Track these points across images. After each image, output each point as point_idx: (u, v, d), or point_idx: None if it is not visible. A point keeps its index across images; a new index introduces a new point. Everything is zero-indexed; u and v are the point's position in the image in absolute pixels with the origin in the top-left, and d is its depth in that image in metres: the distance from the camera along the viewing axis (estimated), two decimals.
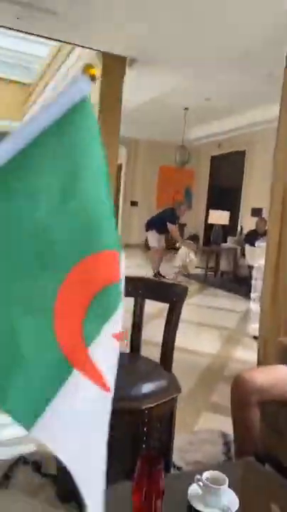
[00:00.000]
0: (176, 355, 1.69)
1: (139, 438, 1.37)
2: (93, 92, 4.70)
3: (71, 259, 0.57)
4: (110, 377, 0.63)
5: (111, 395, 0.63)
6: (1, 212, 0.50)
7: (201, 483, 1.02)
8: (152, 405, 1.39)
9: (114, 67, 4.66)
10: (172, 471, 1.63)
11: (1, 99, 8.44)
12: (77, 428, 0.59)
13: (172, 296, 1.68)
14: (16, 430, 1.91)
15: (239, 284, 6.11)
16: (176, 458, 1.71)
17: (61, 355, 0.56)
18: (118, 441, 1.43)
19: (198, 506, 0.98)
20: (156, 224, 6.32)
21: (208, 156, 9.69)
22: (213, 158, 9.64)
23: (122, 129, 4.93)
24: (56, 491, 1.46)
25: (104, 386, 0.61)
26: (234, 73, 5.05)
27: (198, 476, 1.03)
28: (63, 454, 0.57)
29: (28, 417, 0.53)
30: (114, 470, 1.40)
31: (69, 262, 0.57)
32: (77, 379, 0.58)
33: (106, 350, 0.62)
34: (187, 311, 1.69)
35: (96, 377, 0.60)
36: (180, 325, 1.69)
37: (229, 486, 1.00)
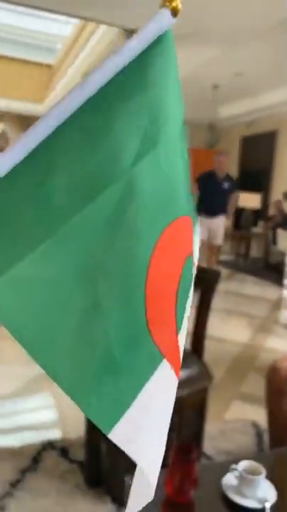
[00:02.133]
0: (206, 343, 1.65)
1: (171, 427, 1.35)
2: None
3: (160, 224, 0.49)
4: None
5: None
6: (82, 166, 0.43)
7: (237, 474, 0.99)
8: (184, 394, 1.36)
9: None
10: (203, 460, 1.61)
11: (23, 81, 8.42)
12: (158, 424, 0.52)
13: (204, 281, 1.63)
14: (44, 415, 1.95)
15: (270, 270, 5.96)
16: (207, 447, 1.68)
17: (153, 346, 0.48)
18: None
19: (234, 497, 0.95)
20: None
21: (238, 137, 9.40)
22: (243, 139, 9.36)
23: None
24: (84, 476, 1.47)
25: (177, 372, 0.54)
26: (268, 46, 4.82)
27: (234, 466, 1.00)
28: (142, 457, 0.49)
29: (110, 418, 0.45)
30: None
31: (158, 228, 0.49)
32: (165, 369, 0.51)
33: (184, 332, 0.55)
34: (215, 299, 1.64)
35: (177, 364, 0.53)
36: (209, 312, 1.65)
37: (266, 477, 0.97)
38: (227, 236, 6.99)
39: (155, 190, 0.48)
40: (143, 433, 0.49)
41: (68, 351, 0.42)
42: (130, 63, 0.48)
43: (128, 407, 0.46)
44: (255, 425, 1.91)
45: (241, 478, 0.97)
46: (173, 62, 0.54)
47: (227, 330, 3.44)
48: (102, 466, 1.41)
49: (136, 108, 0.47)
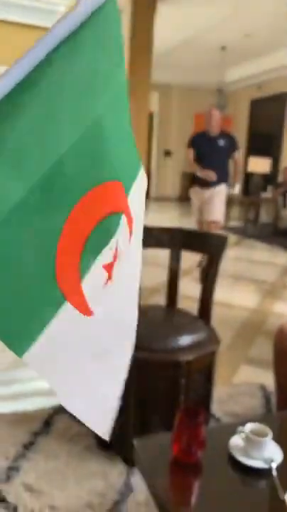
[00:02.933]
0: (213, 308, 1.65)
1: (179, 390, 1.37)
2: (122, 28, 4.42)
3: (81, 190, 0.55)
4: (95, 305, 0.63)
5: (94, 318, 0.64)
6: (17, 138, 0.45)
7: (243, 435, 0.99)
8: (191, 358, 1.36)
9: (143, 4, 4.32)
10: (212, 422, 1.64)
11: (24, 45, 8.13)
12: (68, 358, 0.60)
13: (212, 246, 1.60)
14: None
15: (279, 236, 5.88)
16: (215, 409, 1.71)
17: (57, 288, 0.56)
18: (158, 394, 1.43)
19: (241, 458, 0.96)
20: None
21: (247, 100, 9.07)
22: (252, 102, 9.02)
23: (154, 74, 4.64)
24: (95, 438, 1.51)
25: (86, 311, 0.62)
26: (278, 5, 4.53)
27: (240, 428, 1.01)
28: (55, 383, 0.59)
29: (20, 342, 0.52)
30: (153, 422, 1.42)
31: (79, 194, 0.55)
32: (68, 310, 0.58)
33: (95, 280, 0.62)
34: (224, 264, 1.62)
35: (83, 307, 0.61)
36: (217, 278, 1.62)
37: (272, 439, 0.98)
38: (235, 202, 6.87)
39: (80, 158, 0.53)
40: (56, 363, 0.58)
41: None
42: (70, 34, 0.49)
43: (38, 337, 0.54)
44: (262, 388, 1.93)
45: (247, 440, 0.98)
46: (115, 33, 0.55)
47: (235, 295, 3.44)
48: (113, 428, 1.44)
49: (69, 81, 0.50)
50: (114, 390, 0.71)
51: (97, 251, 0.61)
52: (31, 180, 0.48)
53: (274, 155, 7.60)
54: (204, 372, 1.53)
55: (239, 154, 4.10)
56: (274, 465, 0.94)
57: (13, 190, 0.46)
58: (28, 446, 1.48)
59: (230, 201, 6.61)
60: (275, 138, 8.11)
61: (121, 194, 0.62)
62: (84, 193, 0.55)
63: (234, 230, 6.33)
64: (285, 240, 5.59)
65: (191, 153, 3.84)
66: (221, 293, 1.58)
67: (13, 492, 1.29)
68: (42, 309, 0.55)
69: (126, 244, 0.68)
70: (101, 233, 0.60)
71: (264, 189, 6.88)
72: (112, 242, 0.63)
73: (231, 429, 1.03)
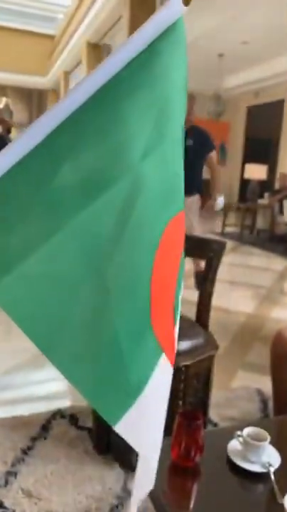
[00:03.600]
0: (211, 313, 1.66)
1: (177, 395, 1.37)
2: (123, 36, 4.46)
3: (164, 218, 0.49)
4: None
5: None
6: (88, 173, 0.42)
7: (241, 440, 1.00)
8: (189, 363, 1.37)
9: (142, 10, 4.38)
10: (209, 426, 1.64)
11: (25, 52, 8.19)
12: (158, 415, 0.53)
13: (210, 251, 1.61)
14: (53, 386, 1.99)
15: (276, 242, 5.92)
16: (212, 414, 1.72)
17: (154, 340, 0.49)
18: None
19: (239, 462, 0.97)
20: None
21: (244, 107, 9.16)
22: (250, 109, 9.11)
23: None
24: (93, 442, 1.51)
25: (172, 362, 0.55)
26: (274, 12, 4.60)
27: (239, 432, 1.02)
28: (145, 447, 0.51)
29: (116, 411, 0.46)
30: None
31: (163, 222, 0.49)
32: (164, 363, 0.51)
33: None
34: (221, 270, 1.63)
35: (172, 355, 0.54)
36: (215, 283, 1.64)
37: (270, 443, 0.99)
38: (231, 209, 6.90)
39: (160, 185, 0.48)
40: (146, 424, 0.50)
41: (76, 345, 0.42)
42: (139, 54, 0.46)
43: (135, 401, 0.47)
44: (260, 392, 1.94)
45: (246, 444, 0.98)
46: (182, 51, 0.52)
47: (233, 301, 3.45)
48: (111, 432, 1.45)
49: (144, 103, 0.47)
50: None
51: (181, 289, 0.56)
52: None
53: (271, 161, 7.67)
54: (201, 376, 1.53)
55: (214, 156, 3.31)
56: (272, 469, 0.94)
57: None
58: (26, 451, 1.48)
59: (227, 208, 6.65)
60: (271, 144, 8.19)
61: (183, 225, 0.58)
62: (171, 217, 0.50)
63: (231, 236, 6.37)
64: (282, 246, 5.63)
65: None
66: (219, 298, 1.60)
67: (11, 497, 1.28)
68: (139, 367, 0.47)
69: None
70: (182, 269, 0.56)
71: (261, 196, 6.93)
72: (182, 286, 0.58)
73: (230, 434, 1.04)
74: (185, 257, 0.58)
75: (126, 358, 0.45)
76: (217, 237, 5.93)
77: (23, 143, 0.41)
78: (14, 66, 8.34)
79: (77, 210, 0.41)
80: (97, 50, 6.67)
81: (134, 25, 4.41)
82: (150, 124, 0.47)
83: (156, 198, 0.47)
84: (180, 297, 0.56)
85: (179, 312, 0.54)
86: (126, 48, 0.45)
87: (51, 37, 8.24)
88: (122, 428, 0.45)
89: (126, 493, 1.31)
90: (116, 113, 0.44)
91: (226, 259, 4.87)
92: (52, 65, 8.43)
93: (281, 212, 6.16)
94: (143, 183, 0.45)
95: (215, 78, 7.10)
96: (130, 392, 0.46)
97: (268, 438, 0.98)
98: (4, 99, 8.95)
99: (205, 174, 3.36)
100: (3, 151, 0.41)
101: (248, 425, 1.03)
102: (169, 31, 0.49)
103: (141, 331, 0.46)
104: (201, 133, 3.21)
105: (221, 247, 1.62)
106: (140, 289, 0.46)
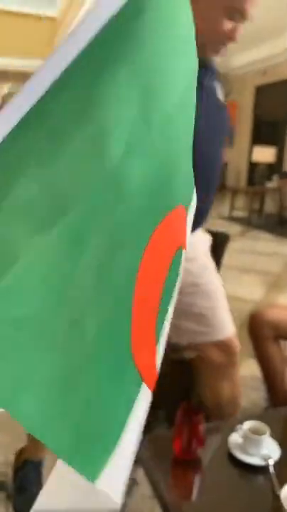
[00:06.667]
0: None
1: (184, 387, 1.40)
2: None
3: (153, 220, 0.41)
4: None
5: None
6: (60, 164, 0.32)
7: (242, 433, 1.03)
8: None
9: None
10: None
11: (26, 35, 8.06)
12: (132, 443, 0.43)
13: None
14: None
15: (285, 226, 5.86)
16: None
17: (135, 370, 0.41)
18: (164, 390, 1.46)
19: (239, 455, 0.99)
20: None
21: (252, 86, 8.95)
22: (257, 89, 8.90)
23: None
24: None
25: (152, 388, 0.46)
26: None
27: (239, 426, 1.04)
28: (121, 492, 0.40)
29: (97, 463, 0.36)
30: (160, 419, 1.45)
31: (151, 225, 0.41)
32: (144, 393, 0.43)
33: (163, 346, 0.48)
34: (228, 256, 1.64)
35: (153, 380, 0.45)
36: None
37: (271, 436, 1.01)
38: (240, 193, 6.81)
39: (146, 186, 0.39)
40: (124, 463, 0.41)
41: (47, 400, 0.32)
42: (117, 13, 0.36)
43: (115, 446, 0.38)
44: None
45: (245, 438, 1.01)
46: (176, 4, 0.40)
47: (240, 288, 3.45)
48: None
49: (122, 81, 0.36)
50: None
51: (168, 304, 0.47)
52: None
53: (279, 143, 7.52)
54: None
55: None
56: (271, 461, 0.97)
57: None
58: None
59: (235, 191, 6.58)
60: (280, 126, 8.02)
61: (183, 222, 0.49)
62: (158, 221, 0.42)
63: (239, 221, 6.32)
64: None
65: None
66: (226, 285, 1.60)
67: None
68: (120, 409, 0.39)
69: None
70: (171, 281, 0.46)
71: (269, 179, 6.83)
72: (176, 291, 0.50)
73: (231, 426, 1.06)
74: (182, 255, 0.50)
75: (106, 405, 0.37)
76: (224, 224, 5.88)
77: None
78: (15, 50, 8.24)
79: (36, 236, 0.31)
80: None
81: None
82: (132, 109, 0.37)
83: (139, 204, 0.38)
84: (170, 305, 0.49)
85: (165, 322, 0.47)
86: (94, 14, 0.35)
87: (52, 19, 8.11)
88: (104, 482, 0.36)
89: (134, 482, 1.36)
90: (88, 100, 0.34)
91: (234, 245, 4.82)
92: (55, 47, 8.33)
93: None
94: (123, 190, 0.36)
95: (222, 58, 6.94)
96: (111, 438, 0.38)
97: (268, 431, 1.00)
98: (7, 85, 8.87)
99: None
100: None
101: (249, 418, 1.05)
102: None
103: (121, 368, 0.39)
104: None
105: (224, 240, 1.62)
106: (119, 323, 0.38)
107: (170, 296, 0.49)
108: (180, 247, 0.49)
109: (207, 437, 1.01)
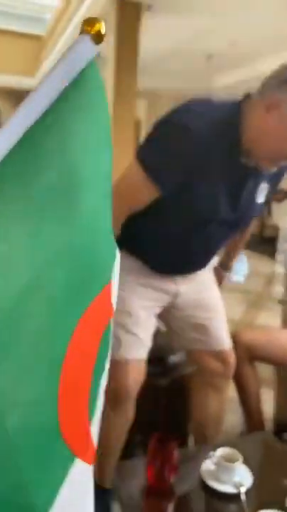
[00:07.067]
0: None
1: (159, 412, 1.40)
2: (107, 44, 4.46)
3: (76, 312, 0.41)
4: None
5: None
6: None
7: (214, 460, 1.03)
8: (166, 384, 1.40)
9: (128, 16, 4.40)
10: (190, 441, 1.66)
11: (12, 53, 8.14)
12: None
13: None
14: None
15: (265, 244, 5.97)
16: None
17: (64, 448, 0.40)
18: (140, 416, 1.47)
19: (211, 483, 1.00)
20: None
21: None
22: None
23: (142, 82, 4.69)
24: None
25: (90, 461, 0.47)
26: (261, 12, 4.64)
27: (212, 453, 1.05)
28: None
29: None
30: (136, 443, 1.44)
31: (75, 314, 0.41)
32: (78, 467, 0.42)
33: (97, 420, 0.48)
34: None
35: (90, 454, 0.46)
36: None
37: (244, 462, 1.02)
38: None
39: (68, 286, 0.39)
40: None
41: None
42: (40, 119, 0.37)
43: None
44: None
45: (218, 465, 1.01)
46: (96, 103, 0.43)
47: None
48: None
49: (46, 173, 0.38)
50: None
51: (100, 376, 0.47)
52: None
53: None
54: (183, 391, 1.56)
55: None
56: (243, 489, 0.98)
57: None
58: None
59: None
60: None
61: (109, 293, 0.49)
62: (85, 306, 0.42)
63: None
64: (271, 248, 5.67)
65: None
66: None
67: None
68: (47, 488, 0.38)
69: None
70: (102, 355, 0.47)
71: None
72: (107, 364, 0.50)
73: (205, 453, 1.07)
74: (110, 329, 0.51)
75: (31, 486, 0.36)
76: None
77: None
78: (1, 67, 8.30)
79: None
80: None
81: (120, 29, 4.43)
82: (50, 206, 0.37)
83: (63, 293, 0.38)
84: (103, 376, 0.49)
85: (95, 408, 0.47)
86: (26, 109, 0.37)
87: (39, 37, 8.21)
88: None
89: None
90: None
91: (214, 262, 4.90)
92: (41, 65, 8.40)
93: (269, 214, 6.21)
94: (46, 294, 0.36)
95: (205, 80, 7.14)
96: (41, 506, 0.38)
97: (240, 458, 1.01)
98: None
99: None
100: None
101: (222, 444, 1.06)
102: (79, 80, 0.39)
103: (47, 445, 0.38)
104: None
105: None
106: (44, 398, 0.37)
107: (102, 370, 0.49)
108: (109, 319, 0.49)
109: (180, 464, 1.01)
